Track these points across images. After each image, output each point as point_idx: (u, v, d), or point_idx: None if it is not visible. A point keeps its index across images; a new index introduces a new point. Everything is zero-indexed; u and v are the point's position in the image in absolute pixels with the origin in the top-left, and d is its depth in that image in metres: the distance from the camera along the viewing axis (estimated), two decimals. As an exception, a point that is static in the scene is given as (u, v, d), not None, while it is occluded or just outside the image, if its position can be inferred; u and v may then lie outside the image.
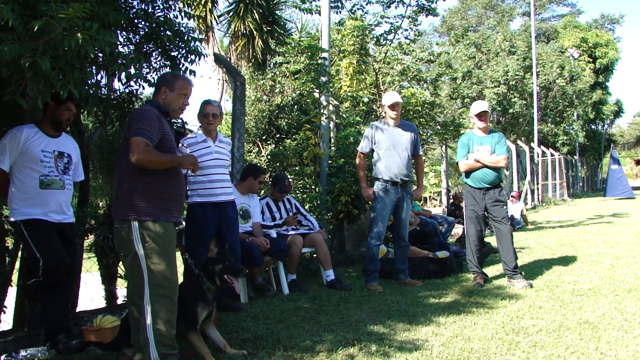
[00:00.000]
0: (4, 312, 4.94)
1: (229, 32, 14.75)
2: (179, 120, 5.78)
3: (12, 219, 4.20)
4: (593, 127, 40.56)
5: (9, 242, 5.00)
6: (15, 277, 5.03)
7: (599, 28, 43.93)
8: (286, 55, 8.98)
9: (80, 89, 3.65)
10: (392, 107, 6.41)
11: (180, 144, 5.09)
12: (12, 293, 5.11)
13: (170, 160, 3.64)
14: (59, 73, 3.37)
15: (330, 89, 8.36)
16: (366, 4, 11.20)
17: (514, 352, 3.83)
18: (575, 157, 34.69)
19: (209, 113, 5.32)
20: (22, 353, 4.20)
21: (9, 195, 4.19)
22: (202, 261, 4.08)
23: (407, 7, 11.03)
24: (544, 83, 28.42)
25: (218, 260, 3.99)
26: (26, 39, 3.20)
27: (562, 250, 8.57)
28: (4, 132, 4.33)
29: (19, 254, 4.97)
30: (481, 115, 6.33)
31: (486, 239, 6.95)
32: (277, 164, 9.23)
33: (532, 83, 25.36)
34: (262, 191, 7.75)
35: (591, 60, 36.74)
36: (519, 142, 22.55)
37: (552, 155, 26.11)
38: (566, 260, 7.53)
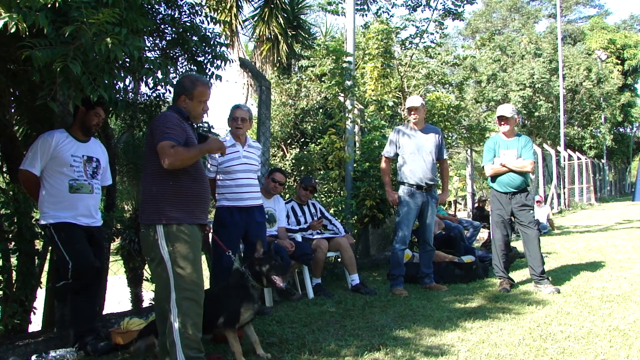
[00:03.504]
0: (34, 314, 5.02)
1: (254, 36, 14.85)
2: (205, 124, 5.83)
3: (42, 222, 4.26)
4: (621, 130, 39.96)
5: (38, 244, 5.08)
6: (44, 279, 5.10)
7: (628, 29, 43.28)
8: (311, 58, 8.99)
9: (110, 93, 3.71)
10: (409, 111, 6.40)
11: None
12: (41, 295, 5.19)
13: (199, 151, 3.63)
14: (89, 77, 3.42)
15: (355, 93, 8.37)
16: (392, 7, 11.21)
17: (541, 359, 3.78)
18: (602, 160, 34.21)
19: (237, 117, 5.33)
20: (52, 354, 4.26)
21: (39, 198, 4.26)
22: (243, 261, 4.11)
23: (433, 11, 11.01)
24: (571, 86, 28.14)
25: (265, 260, 4.02)
26: (58, 44, 3.26)
27: (590, 256, 8.44)
28: (36, 137, 4.40)
29: (48, 256, 5.05)
30: (501, 120, 6.28)
31: (512, 244, 6.89)
32: (302, 168, 9.25)
33: (558, 86, 25.11)
34: (287, 195, 7.77)
35: (619, 62, 36.21)
36: (545, 145, 22.33)
37: (578, 158, 25.79)
38: (594, 266, 7.42)
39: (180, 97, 3.74)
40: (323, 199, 8.51)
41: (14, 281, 4.75)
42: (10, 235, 4.75)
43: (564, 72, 26.02)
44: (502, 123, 6.27)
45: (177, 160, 3.42)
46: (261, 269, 4.00)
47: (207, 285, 3.94)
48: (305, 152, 9.61)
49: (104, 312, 5.52)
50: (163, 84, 4.63)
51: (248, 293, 3.98)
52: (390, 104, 9.79)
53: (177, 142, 3.45)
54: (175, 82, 4.87)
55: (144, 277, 7.61)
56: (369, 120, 8.96)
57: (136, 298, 7.94)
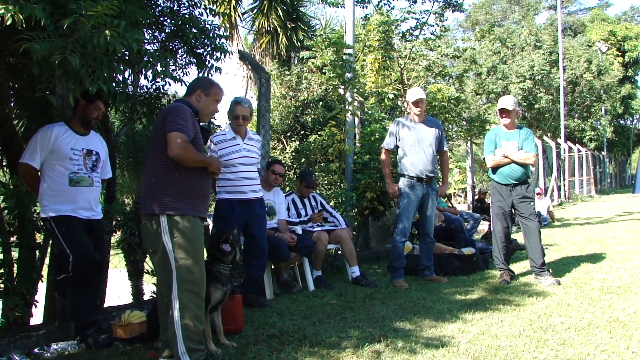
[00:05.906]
0: (35, 307, 5.03)
1: (253, 29, 14.80)
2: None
3: (42, 215, 4.26)
4: (621, 122, 39.92)
5: (39, 238, 5.08)
6: (45, 272, 5.11)
7: (629, 20, 43.18)
8: (312, 49, 8.96)
9: (109, 85, 3.70)
10: (416, 103, 6.37)
11: (209, 142, 5.14)
12: (42, 288, 5.20)
13: (203, 160, 3.70)
14: (88, 70, 3.41)
15: (355, 85, 8.34)
16: (392, -1, 11.15)
17: (542, 350, 3.79)
18: (602, 152, 34.19)
19: (239, 115, 5.33)
20: (53, 346, 4.26)
21: (39, 192, 4.26)
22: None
23: (433, 3, 10.96)
24: (571, 78, 28.02)
25: (211, 236, 4.17)
26: (56, 36, 3.25)
27: (590, 248, 8.45)
28: (35, 131, 4.40)
29: (49, 249, 5.05)
30: (502, 112, 6.26)
31: (513, 236, 6.88)
32: (302, 160, 9.23)
33: (559, 78, 25.02)
34: (288, 187, 7.76)
35: (620, 53, 36.09)
36: (545, 137, 22.32)
37: (579, 151, 25.78)
38: (595, 258, 7.42)
39: (196, 91, 3.80)
40: (323, 192, 8.51)
41: (15, 274, 4.76)
42: (12, 229, 4.76)
43: (564, 64, 25.92)
44: (504, 116, 6.25)
45: (185, 156, 3.46)
46: (210, 245, 4.12)
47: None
48: (305, 145, 9.58)
49: (105, 305, 5.53)
50: (162, 76, 4.61)
51: (213, 274, 4.05)
52: (391, 96, 9.75)
53: (189, 137, 3.48)
54: (174, 75, 4.91)
55: (145, 270, 7.62)
56: (369, 112, 8.94)
57: (137, 291, 7.94)
